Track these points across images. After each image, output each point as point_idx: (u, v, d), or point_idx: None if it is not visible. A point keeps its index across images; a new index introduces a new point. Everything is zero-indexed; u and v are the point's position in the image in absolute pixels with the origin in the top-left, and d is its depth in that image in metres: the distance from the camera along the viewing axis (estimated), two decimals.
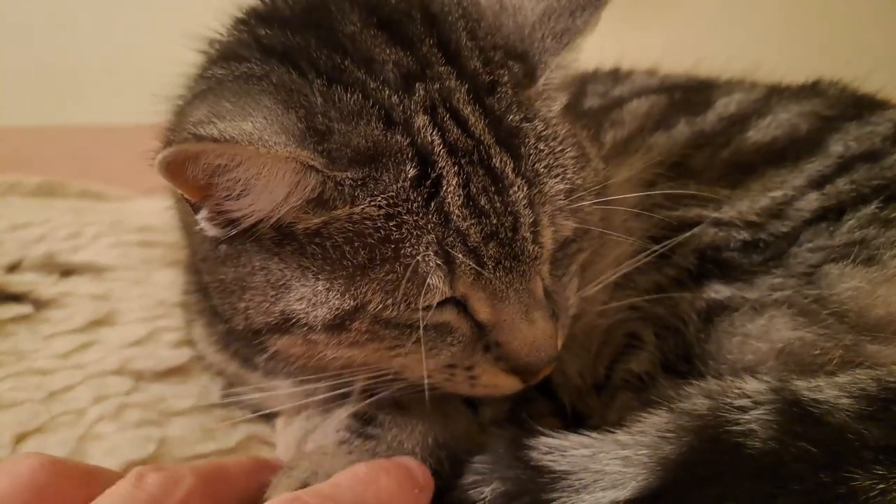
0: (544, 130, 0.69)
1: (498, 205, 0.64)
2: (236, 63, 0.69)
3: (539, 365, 0.69)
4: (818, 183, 0.82)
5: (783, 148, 0.86)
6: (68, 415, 0.83)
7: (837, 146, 0.85)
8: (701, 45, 1.09)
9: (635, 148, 0.91)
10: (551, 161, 0.68)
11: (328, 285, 0.64)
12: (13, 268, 1.12)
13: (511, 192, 0.64)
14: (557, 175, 0.68)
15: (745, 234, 0.80)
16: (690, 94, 1.01)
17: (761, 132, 0.89)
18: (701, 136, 0.90)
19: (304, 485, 0.68)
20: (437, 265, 0.62)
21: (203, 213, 0.65)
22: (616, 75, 1.15)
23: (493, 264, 0.64)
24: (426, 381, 0.70)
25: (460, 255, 0.63)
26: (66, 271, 1.16)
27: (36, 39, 2.49)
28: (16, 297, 1.05)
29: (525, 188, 0.65)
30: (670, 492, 0.61)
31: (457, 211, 0.63)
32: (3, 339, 0.97)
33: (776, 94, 0.96)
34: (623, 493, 0.61)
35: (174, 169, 0.59)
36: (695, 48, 1.09)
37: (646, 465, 0.62)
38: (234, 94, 0.65)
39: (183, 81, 0.76)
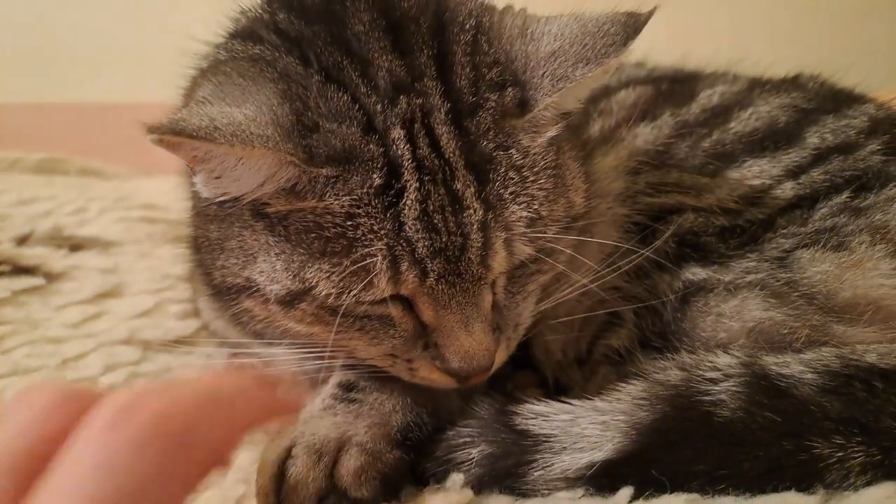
0: (520, 160, 0.70)
1: (451, 225, 0.67)
2: (252, 43, 0.74)
3: (470, 373, 0.72)
4: (794, 173, 0.86)
5: (762, 138, 0.90)
6: (82, 382, 0.87)
7: (814, 138, 0.89)
8: (687, 37, 1.12)
9: (621, 137, 0.94)
10: (518, 189, 0.69)
11: (284, 265, 0.69)
12: (23, 241, 1.16)
13: (466, 214, 0.67)
14: (522, 203, 0.69)
15: (723, 220, 0.84)
16: (676, 85, 1.04)
17: (742, 123, 0.92)
18: (684, 127, 0.93)
19: (291, 446, 0.72)
20: (383, 269, 0.66)
21: (198, 178, 0.69)
22: None
23: (435, 277, 0.68)
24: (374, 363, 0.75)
25: (406, 264, 0.66)
26: (75, 246, 1.20)
27: (36, 16, 2.50)
28: (27, 270, 1.09)
29: (481, 212, 0.67)
30: (644, 454, 0.66)
31: (410, 223, 0.66)
32: (17, 309, 1.01)
33: (758, 87, 0.99)
34: (600, 455, 0.66)
35: (163, 147, 0.64)
36: (682, 39, 1.12)
37: (621, 429, 0.67)
38: (241, 75, 0.70)
39: (209, 45, 0.81)
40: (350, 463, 0.70)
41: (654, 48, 1.10)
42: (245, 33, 0.77)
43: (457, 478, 0.68)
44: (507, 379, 0.86)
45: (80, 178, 1.80)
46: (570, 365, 0.90)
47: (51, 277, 1.09)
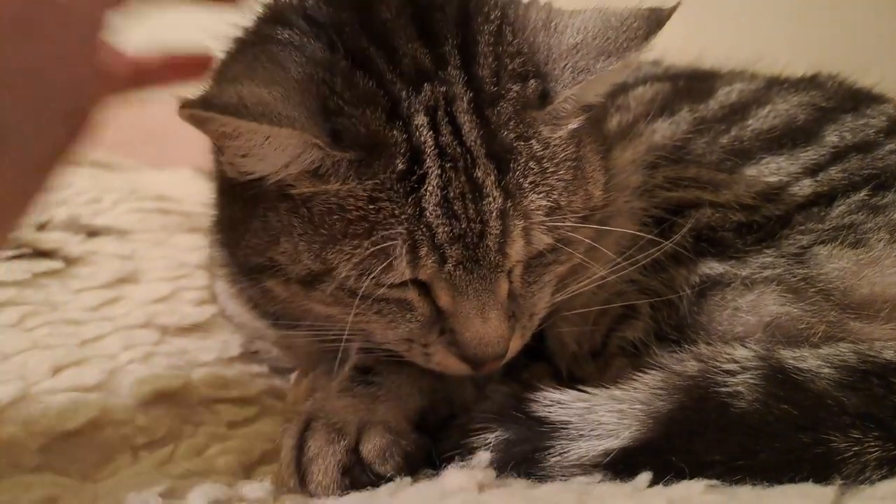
0: (540, 151, 0.71)
1: (471, 212, 0.68)
2: (281, 27, 0.75)
3: (484, 359, 0.72)
4: (812, 170, 0.86)
5: (780, 136, 0.90)
6: (101, 357, 0.89)
7: (833, 136, 0.89)
8: (703, 37, 1.12)
9: (639, 132, 0.95)
10: (538, 178, 0.70)
11: (306, 246, 0.70)
12: (42, 227, 1.17)
13: (486, 202, 0.68)
14: (541, 192, 0.70)
15: (740, 216, 0.84)
16: (693, 82, 1.05)
17: (760, 120, 0.92)
18: (702, 123, 0.94)
19: (311, 418, 0.74)
20: (403, 252, 0.67)
21: (224, 156, 0.71)
22: None
23: (454, 263, 0.69)
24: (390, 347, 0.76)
25: (425, 249, 0.68)
26: (92, 232, 1.21)
27: None
28: (46, 254, 1.11)
29: (500, 200, 0.68)
30: (660, 443, 0.66)
31: (431, 209, 0.67)
32: (37, 291, 1.02)
33: (776, 85, 0.99)
34: (616, 443, 0.66)
35: (193, 123, 0.65)
36: (699, 40, 1.12)
37: (638, 418, 0.67)
38: (269, 58, 0.71)
39: (239, 28, 0.82)
40: (376, 440, 0.72)
41: (671, 47, 1.10)
42: (275, 17, 0.78)
43: (484, 456, 0.69)
44: (523, 369, 0.87)
45: (92, 170, 1.81)
46: (584, 357, 0.90)
47: (69, 261, 1.10)
